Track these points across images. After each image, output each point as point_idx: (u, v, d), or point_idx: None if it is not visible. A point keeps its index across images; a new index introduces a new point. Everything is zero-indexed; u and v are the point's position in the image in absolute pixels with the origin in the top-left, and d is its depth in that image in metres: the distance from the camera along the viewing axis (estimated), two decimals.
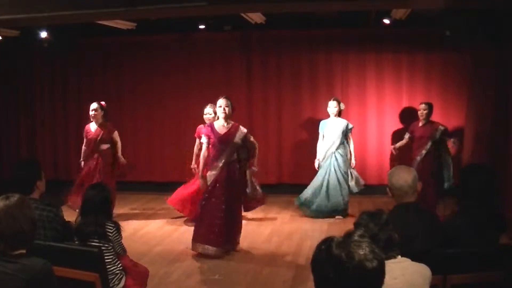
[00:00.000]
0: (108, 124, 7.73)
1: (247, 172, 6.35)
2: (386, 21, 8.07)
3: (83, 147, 7.76)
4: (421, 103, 7.72)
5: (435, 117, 7.84)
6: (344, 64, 9.30)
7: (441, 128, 7.51)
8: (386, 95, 9.20)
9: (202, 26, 8.72)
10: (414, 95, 9.05)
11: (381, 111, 9.23)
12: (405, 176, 3.40)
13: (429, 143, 7.42)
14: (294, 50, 9.40)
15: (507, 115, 6.82)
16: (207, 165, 6.24)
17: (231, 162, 6.12)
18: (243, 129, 6.19)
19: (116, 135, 7.73)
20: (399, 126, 9.07)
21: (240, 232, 6.36)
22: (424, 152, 7.41)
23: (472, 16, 6.44)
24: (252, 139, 6.30)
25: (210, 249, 5.99)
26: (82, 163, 7.72)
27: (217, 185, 6.04)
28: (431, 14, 7.22)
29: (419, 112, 7.63)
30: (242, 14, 7.52)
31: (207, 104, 7.32)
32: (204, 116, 7.30)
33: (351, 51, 9.25)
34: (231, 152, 6.10)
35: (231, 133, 6.11)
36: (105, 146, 7.60)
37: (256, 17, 7.98)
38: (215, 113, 7.15)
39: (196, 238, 6.09)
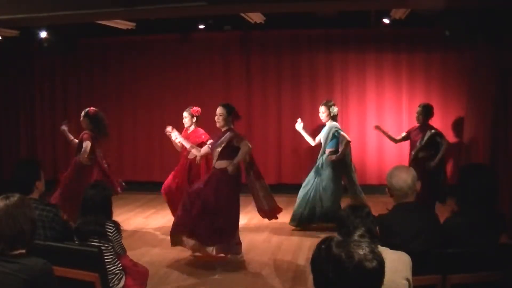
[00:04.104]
0: (86, 131, 6.65)
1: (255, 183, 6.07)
2: (386, 21, 8.07)
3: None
4: (418, 105, 7.37)
5: (435, 117, 7.53)
6: (344, 64, 9.30)
7: (431, 132, 7.01)
8: (386, 95, 9.20)
9: (202, 26, 8.72)
10: (414, 95, 9.05)
11: (381, 111, 9.22)
12: (404, 177, 3.39)
13: (418, 147, 7.00)
14: (294, 50, 9.40)
15: (507, 115, 6.81)
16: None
17: (220, 170, 5.78)
18: (232, 134, 5.78)
19: (87, 144, 6.50)
20: (399, 126, 9.06)
21: (228, 241, 5.89)
22: (413, 153, 7.05)
23: (472, 16, 6.44)
24: (238, 143, 5.75)
25: (190, 242, 5.80)
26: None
27: (201, 185, 5.82)
28: (431, 14, 7.21)
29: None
30: (242, 14, 7.52)
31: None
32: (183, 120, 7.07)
33: (351, 51, 9.25)
34: (216, 157, 5.81)
35: (218, 138, 5.90)
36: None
37: (256, 17, 7.98)
38: (192, 116, 6.90)
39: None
